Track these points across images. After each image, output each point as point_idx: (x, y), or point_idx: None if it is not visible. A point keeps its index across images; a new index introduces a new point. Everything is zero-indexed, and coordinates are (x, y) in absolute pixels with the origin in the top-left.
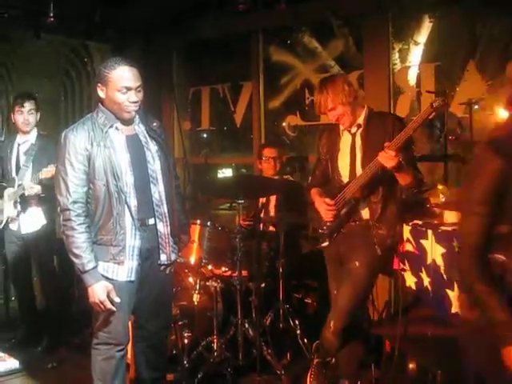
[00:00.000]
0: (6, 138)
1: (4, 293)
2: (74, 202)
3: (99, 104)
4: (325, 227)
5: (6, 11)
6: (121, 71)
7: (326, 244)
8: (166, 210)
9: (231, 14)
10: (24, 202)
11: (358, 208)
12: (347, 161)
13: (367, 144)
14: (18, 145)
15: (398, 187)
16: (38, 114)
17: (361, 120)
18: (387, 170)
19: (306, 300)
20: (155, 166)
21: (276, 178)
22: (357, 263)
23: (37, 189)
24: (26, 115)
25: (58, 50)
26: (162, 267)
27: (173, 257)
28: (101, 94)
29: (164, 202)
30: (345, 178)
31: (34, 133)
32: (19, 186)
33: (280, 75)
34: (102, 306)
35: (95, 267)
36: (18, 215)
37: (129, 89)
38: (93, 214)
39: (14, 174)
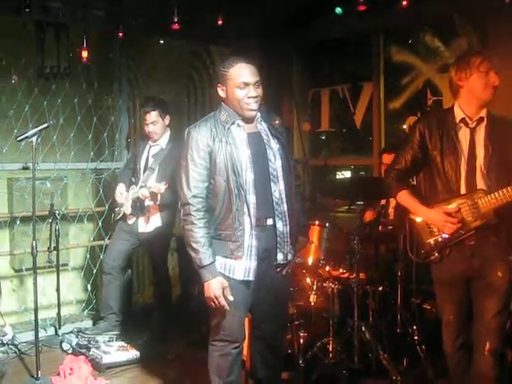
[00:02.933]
0: (141, 138)
1: (128, 286)
2: (194, 197)
3: (222, 103)
4: (440, 239)
5: (134, 19)
6: (238, 68)
7: (435, 257)
8: (285, 209)
9: (351, 14)
10: (143, 203)
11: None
12: (464, 161)
13: (493, 144)
14: (150, 146)
15: None
16: (167, 119)
17: (483, 114)
18: None
19: (424, 306)
20: (276, 164)
21: None
22: (499, 274)
23: (148, 196)
24: (149, 127)
25: (181, 55)
26: (279, 268)
27: (289, 257)
28: (221, 93)
29: (284, 200)
30: (462, 182)
31: (166, 137)
32: (141, 187)
33: (401, 75)
34: (216, 302)
35: (212, 263)
36: (134, 214)
37: (247, 84)
38: (212, 210)
39: (141, 173)
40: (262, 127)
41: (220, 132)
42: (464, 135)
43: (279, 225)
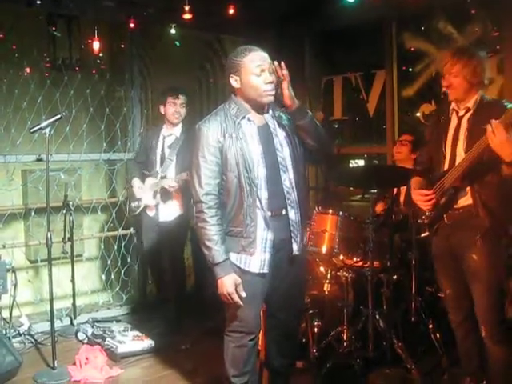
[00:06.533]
0: (152, 129)
1: (142, 276)
2: (207, 194)
3: (232, 95)
4: (424, 217)
5: (145, 9)
6: (252, 56)
7: (425, 234)
8: (296, 198)
9: (364, 1)
10: (165, 193)
11: (458, 197)
12: (450, 146)
13: (472, 130)
14: (164, 137)
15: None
16: (186, 110)
17: (471, 104)
18: (492, 157)
19: (438, 294)
20: (284, 152)
21: (409, 167)
22: (474, 256)
23: (177, 186)
24: (178, 107)
25: (192, 45)
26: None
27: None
28: (235, 84)
29: (294, 189)
30: (445, 164)
31: (179, 127)
32: (162, 178)
33: (414, 62)
34: (229, 299)
35: (226, 260)
36: (156, 205)
37: (263, 70)
38: (224, 206)
39: (158, 165)
40: (269, 116)
41: (230, 127)
42: (453, 123)
43: (291, 214)
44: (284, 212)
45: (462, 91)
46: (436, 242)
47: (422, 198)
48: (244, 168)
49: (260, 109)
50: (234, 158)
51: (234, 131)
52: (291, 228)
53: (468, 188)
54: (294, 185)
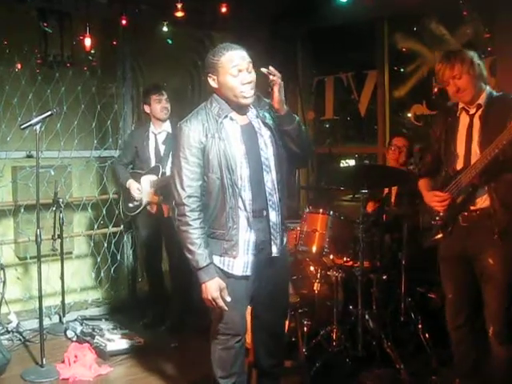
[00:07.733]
0: (137, 128)
1: (132, 274)
2: (189, 197)
3: (213, 94)
4: (437, 218)
5: (137, 6)
6: (229, 55)
7: (439, 236)
8: (277, 199)
9: (355, 2)
10: (167, 188)
11: (476, 195)
12: (463, 144)
13: (486, 126)
14: (155, 135)
15: None
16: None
17: (481, 100)
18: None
19: (429, 295)
20: (268, 152)
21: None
22: (490, 261)
23: None
24: (164, 103)
25: (184, 42)
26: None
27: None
28: (213, 83)
29: (276, 190)
30: (459, 164)
31: (168, 123)
32: (163, 174)
33: (406, 63)
34: (214, 303)
35: (210, 264)
36: (160, 201)
37: (240, 70)
38: (206, 208)
39: (153, 162)
40: (253, 115)
41: (212, 127)
42: (464, 122)
43: (272, 215)
44: (265, 213)
45: (473, 89)
46: (447, 244)
47: (437, 199)
48: (226, 169)
49: (241, 109)
50: (216, 159)
51: (216, 131)
52: (271, 230)
53: (485, 187)
54: (276, 186)
